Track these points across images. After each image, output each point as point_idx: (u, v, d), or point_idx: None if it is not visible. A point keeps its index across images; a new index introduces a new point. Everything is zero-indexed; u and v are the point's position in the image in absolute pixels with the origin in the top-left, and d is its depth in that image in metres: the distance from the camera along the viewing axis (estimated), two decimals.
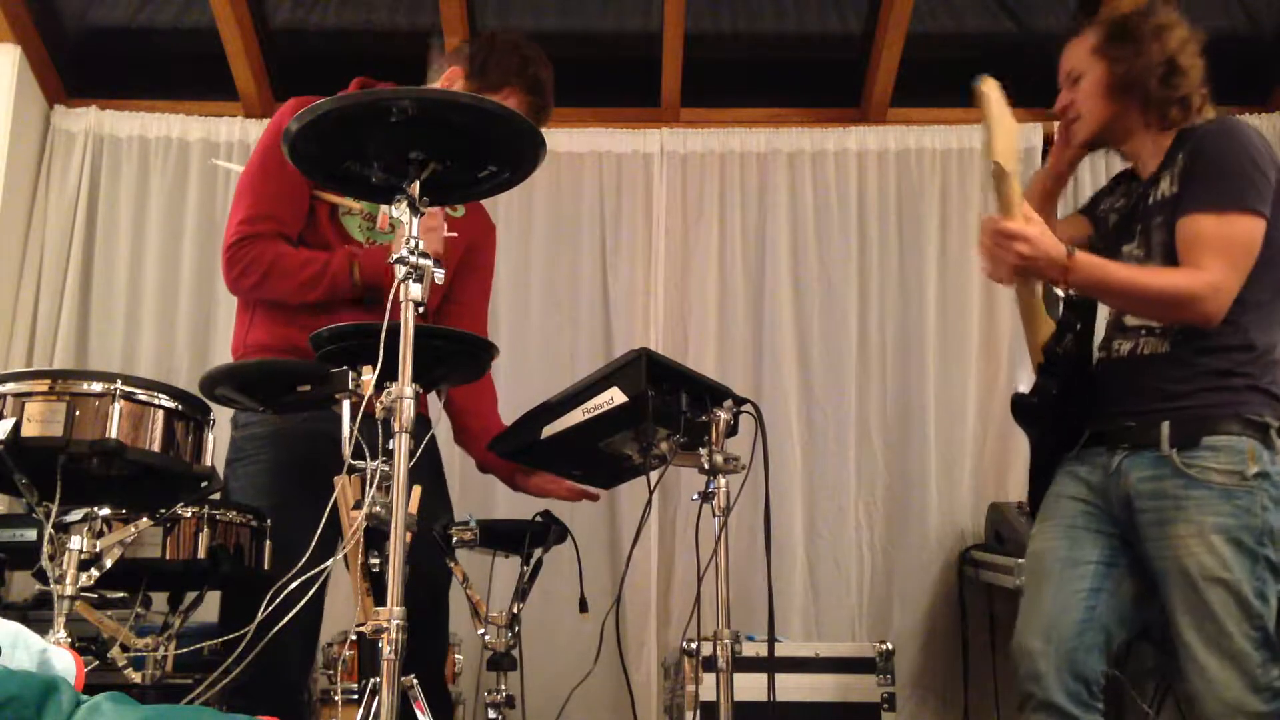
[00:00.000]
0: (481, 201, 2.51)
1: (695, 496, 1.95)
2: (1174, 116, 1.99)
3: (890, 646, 3.00)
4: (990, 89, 1.88)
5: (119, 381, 1.80)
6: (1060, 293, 2.05)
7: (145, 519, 1.89)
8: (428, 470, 2.13)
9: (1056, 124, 2.17)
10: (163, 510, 1.91)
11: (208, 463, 1.95)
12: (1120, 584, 1.96)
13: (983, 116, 1.88)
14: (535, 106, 2.24)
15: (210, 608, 2.18)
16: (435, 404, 2.25)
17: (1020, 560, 2.73)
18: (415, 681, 1.71)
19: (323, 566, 1.66)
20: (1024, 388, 2.10)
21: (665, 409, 1.92)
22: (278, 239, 2.16)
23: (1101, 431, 2.00)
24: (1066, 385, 2.00)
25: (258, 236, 2.15)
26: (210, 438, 1.97)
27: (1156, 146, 2.01)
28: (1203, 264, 1.84)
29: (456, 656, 3.01)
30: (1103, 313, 2.09)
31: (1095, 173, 3.46)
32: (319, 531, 1.67)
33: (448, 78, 2.26)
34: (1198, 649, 1.81)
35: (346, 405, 1.71)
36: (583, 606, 2.30)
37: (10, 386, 1.77)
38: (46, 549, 1.80)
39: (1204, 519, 1.82)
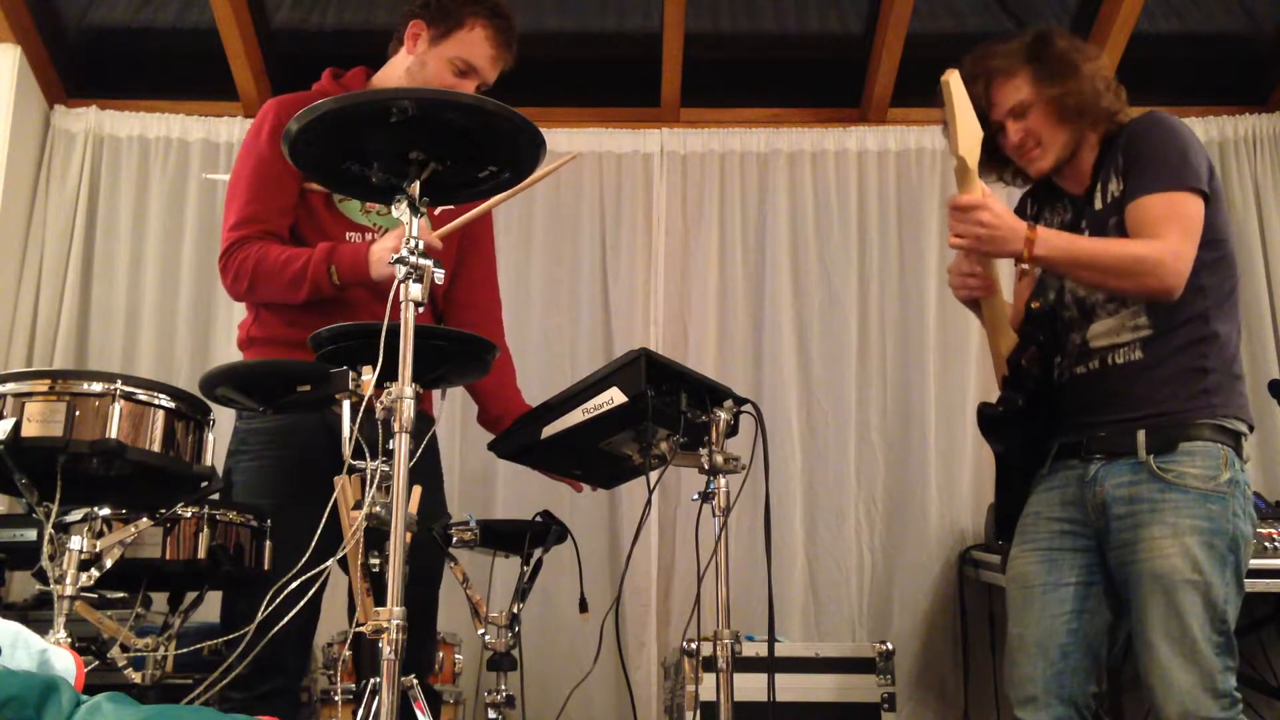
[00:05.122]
0: None
1: (695, 496, 1.95)
2: (1108, 128, 2.05)
3: (890, 646, 3.00)
4: (954, 82, 1.90)
5: (119, 381, 1.80)
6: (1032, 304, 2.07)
7: (145, 519, 1.89)
8: (427, 470, 2.14)
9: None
10: (163, 510, 1.91)
11: (208, 463, 1.94)
12: (1100, 601, 1.97)
13: (945, 110, 1.90)
14: (503, 29, 2.24)
15: (210, 608, 2.18)
16: (437, 402, 2.25)
17: None
18: (415, 681, 1.71)
19: (322, 566, 1.65)
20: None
21: (665, 409, 1.92)
22: (266, 239, 2.16)
23: (1074, 443, 2.01)
24: (1032, 398, 2.02)
25: (246, 240, 2.15)
26: (210, 438, 1.97)
27: (1091, 158, 2.07)
28: (1158, 234, 1.88)
29: (457, 656, 3.01)
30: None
31: None
32: (319, 530, 1.66)
33: (410, 34, 2.25)
34: (1162, 650, 1.82)
35: (346, 405, 1.71)
36: (583, 606, 2.30)
37: (10, 386, 1.77)
38: (46, 549, 1.80)
39: (1179, 521, 1.83)
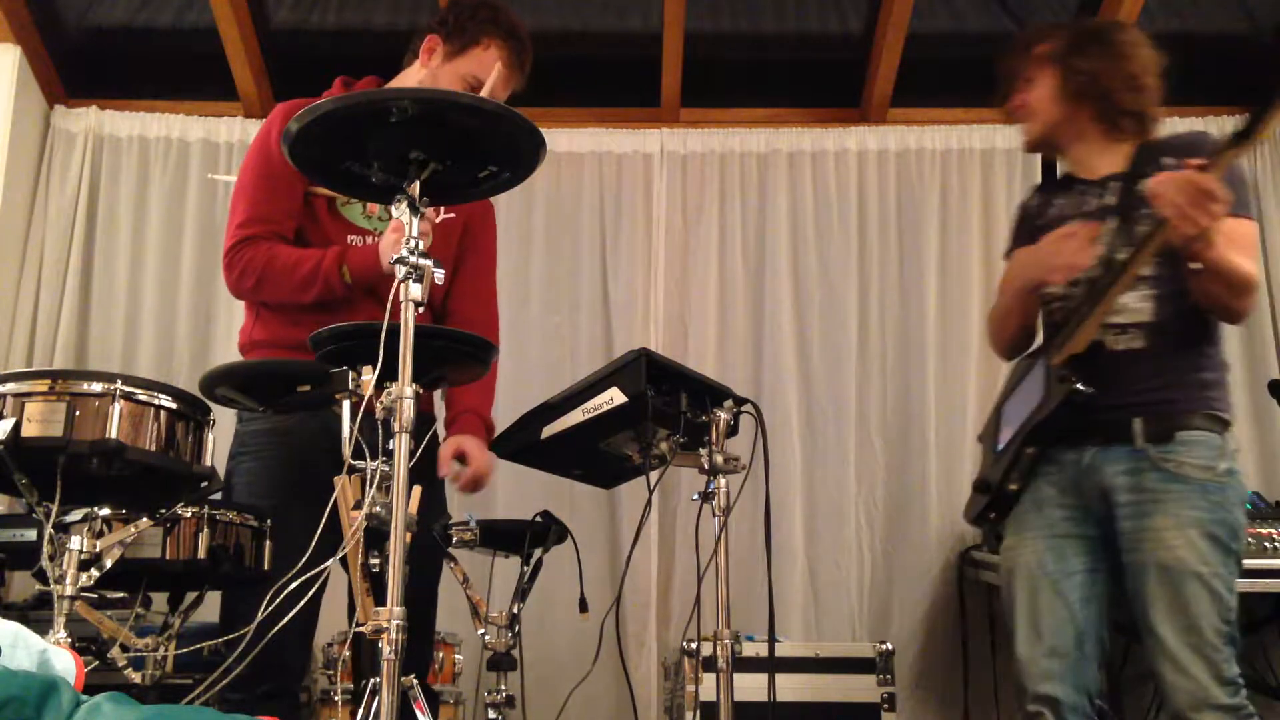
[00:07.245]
0: None
1: (695, 496, 1.95)
2: (1125, 127, 2.05)
3: (890, 646, 3.00)
4: None
5: (119, 381, 1.80)
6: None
7: (145, 519, 1.89)
8: (427, 470, 2.14)
9: None
10: (163, 510, 1.91)
11: (208, 463, 1.94)
12: (1103, 589, 1.98)
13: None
14: (516, 50, 2.26)
15: (210, 608, 2.18)
16: (437, 401, 2.24)
17: None
18: (415, 681, 1.71)
19: (322, 567, 1.65)
20: None
21: (665, 409, 1.92)
22: (274, 239, 2.19)
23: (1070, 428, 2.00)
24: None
25: (254, 239, 2.17)
26: (210, 438, 1.97)
27: (1109, 153, 2.06)
28: (1248, 260, 1.88)
29: (456, 656, 3.01)
30: None
31: None
32: (319, 531, 1.66)
33: (426, 48, 2.27)
34: (1170, 640, 1.83)
35: (346, 405, 1.71)
36: (583, 606, 2.30)
37: (10, 386, 1.77)
38: (46, 549, 1.80)
39: (1182, 512, 1.85)
